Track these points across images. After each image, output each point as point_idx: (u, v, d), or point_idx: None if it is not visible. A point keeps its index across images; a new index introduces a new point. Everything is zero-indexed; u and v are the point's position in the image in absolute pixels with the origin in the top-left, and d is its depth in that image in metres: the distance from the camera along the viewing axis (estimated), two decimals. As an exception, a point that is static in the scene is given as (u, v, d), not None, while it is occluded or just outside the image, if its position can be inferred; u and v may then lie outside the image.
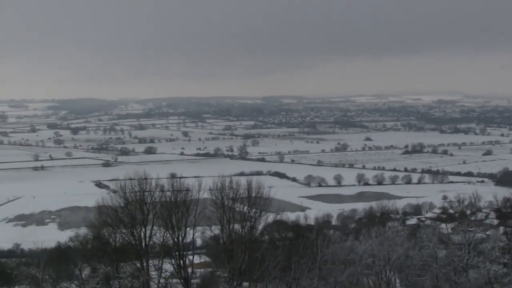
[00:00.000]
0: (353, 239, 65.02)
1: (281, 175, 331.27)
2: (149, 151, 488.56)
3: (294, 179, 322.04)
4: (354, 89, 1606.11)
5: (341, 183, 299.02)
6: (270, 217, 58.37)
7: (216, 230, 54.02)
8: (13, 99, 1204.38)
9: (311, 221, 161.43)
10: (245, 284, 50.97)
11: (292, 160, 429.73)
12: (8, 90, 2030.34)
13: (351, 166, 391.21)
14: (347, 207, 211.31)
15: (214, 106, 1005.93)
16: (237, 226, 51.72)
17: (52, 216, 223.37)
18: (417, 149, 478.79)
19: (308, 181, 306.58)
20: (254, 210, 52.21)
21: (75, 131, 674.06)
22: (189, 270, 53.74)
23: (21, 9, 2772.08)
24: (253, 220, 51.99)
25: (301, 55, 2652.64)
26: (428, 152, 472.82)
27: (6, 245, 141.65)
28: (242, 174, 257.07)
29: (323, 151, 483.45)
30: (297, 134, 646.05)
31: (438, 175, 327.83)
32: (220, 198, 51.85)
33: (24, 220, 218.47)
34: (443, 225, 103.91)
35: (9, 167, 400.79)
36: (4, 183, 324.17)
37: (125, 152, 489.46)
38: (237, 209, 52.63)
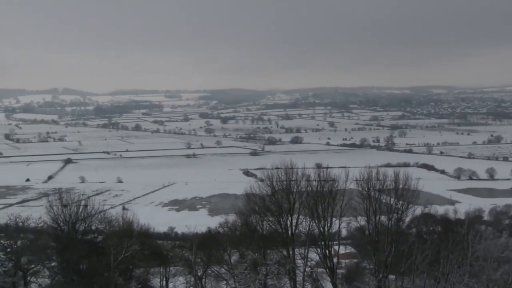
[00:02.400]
0: (508, 235, 61.55)
1: (429, 167, 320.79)
2: (295, 140, 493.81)
3: (443, 172, 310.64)
4: (509, 79, 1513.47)
5: (494, 177, 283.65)
6: (418, 210, 56.65)
7: (361, 221, 53.48)
8: (168, 89, 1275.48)
9: (461, 215, 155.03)
10: (391, 277, 50.18)
11: (441, 152, 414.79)
12: (164, 81, 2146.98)
13: (505, 159, 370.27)
14: (500, 202, 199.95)
15: (361, 97, 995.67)
16: (383, 218, 50.89)
17: (203, 202, 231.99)
18: None
19: (458, 174, 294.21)
20: (401, 202, 51.15)
21: (224, 120, 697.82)
22: (335, 260, 53.82)
23: (175, 7, 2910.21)
24: (400, 212, 50.93)
25: (452, 44, 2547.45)
26: None
27: (162, 228, 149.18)
28: (388, 165, 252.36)
29: (474, 143, 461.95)
30: (446, 125, 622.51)
31: None
32: (366, 189, 51.23)
33: (178, 205, 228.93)
34: None
35: (164, 154, 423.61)
36: (160, 169, 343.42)
37: (272, 142, 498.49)
38: (383, 200, 51.80)
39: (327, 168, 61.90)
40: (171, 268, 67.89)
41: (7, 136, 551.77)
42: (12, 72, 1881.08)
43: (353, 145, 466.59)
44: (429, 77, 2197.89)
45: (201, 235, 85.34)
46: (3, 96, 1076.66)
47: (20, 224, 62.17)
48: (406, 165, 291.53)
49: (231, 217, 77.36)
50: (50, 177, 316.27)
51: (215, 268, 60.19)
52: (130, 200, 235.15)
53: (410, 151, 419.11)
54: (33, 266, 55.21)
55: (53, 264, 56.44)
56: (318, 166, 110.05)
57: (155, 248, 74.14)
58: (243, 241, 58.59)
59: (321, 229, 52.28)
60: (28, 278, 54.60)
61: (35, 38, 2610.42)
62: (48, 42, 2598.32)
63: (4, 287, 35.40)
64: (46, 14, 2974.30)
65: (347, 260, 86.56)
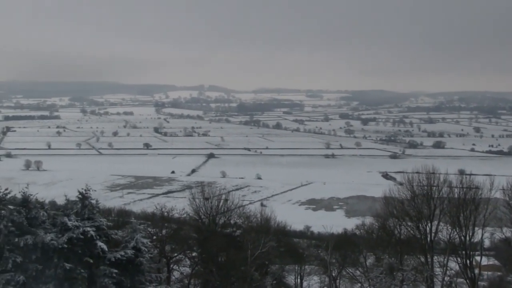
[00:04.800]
0: None
1: None
2: (438, 145, 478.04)
3: None
4: None
5: None
6: None
7: (507, 232, 50.98)
8: (310, 89, 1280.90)
9: None
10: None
11: None
12: (306, 81, 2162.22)
13: None
14: None
15: (511, 102, 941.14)
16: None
17: (340, 203, 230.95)
18: None
19: None
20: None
21: (365, 122, 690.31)
22: (476, 271, 51.66)
23: (319, 9, 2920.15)
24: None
25: None
26: None
27: (299, 226, 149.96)
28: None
29: None
30: None
31: None
32: (514, 199, 48.74)
33: (315, 204, 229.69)
34: None
35: (303, 153, 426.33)
36: (298, 168, 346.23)
37: (412, 145, 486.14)
38: (532, 212, 48.95)
39: (470, 175, 59.43)
40: (306, 266, 68.36)
41: (156, 129, 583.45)
42: (165, 69, 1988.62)
43: (500, 153, 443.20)
44: None
45: (337, 235, 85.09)
46: (154, 91, 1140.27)
47: (165, 214, 65.49)
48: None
49: (368, 220, 76.52)
50: (193, 170, 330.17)
51: (350, 270, 59.91)
52: (268, 197, 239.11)
53: None
54: (175, 254, 57.99)
55: (193, 254, 58.85)
56: (461, 172, 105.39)
57: (291, 246, 75.04)
58: (380, 244, 57.82)
59: (462, 237, 50.35)
60: (171, 265, 57.46)
61: (187, 37, 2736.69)
62: (198, 41, 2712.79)
63: (150, 272, 37.45)
64: (197, 14, 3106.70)
65: (489, 272, 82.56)
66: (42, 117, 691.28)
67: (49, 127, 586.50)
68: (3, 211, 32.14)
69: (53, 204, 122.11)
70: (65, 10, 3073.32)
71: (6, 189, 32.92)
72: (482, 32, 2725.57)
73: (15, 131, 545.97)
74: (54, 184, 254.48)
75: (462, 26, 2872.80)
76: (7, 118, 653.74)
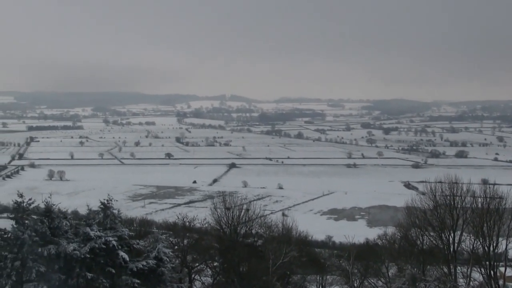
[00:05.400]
0: None
1: None
2: (460, 155, 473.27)
3: None
4: None
5: None
6: None
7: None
8: (331, 98, 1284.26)
9: None
10: None
11: None
12: (327, 90, 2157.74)
13: None
14: None
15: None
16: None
17: (362, 213, 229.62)
18: None
19: None
20: None
21: (386, 131, 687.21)
22: (500, 282, 50.95)
23: (339, 19, 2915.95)
24: None
25: None
26: None
27: (320, 236, 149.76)
28: None
29: None
30: None
31: None
32: (539, 209, 48.04)
33: (336, 214, 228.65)
34: None
35: (325, 163, 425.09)
36: (320, 178, 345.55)
37: (435, 155, 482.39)
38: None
39: (494, 184, 58.67)
40: (328, 277, 67.98)
41: (178, 139, 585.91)
42: (186, 79, 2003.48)
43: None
44: None
45: (359, 245, 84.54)
46: (176, 101, 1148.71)
47: (187, 223, 65.60)
48: None
49: (390, 230, 75.95)
50: (215, 180, 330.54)
51: (372, 280, 59.46)
52: (290, 207, 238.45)
53: None
54: (197, 264, 58.04)
55: (215, 264, 58.86)
56: (484, 182, 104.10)
57: (313, 256, 74.70)
58: (402, 254, 57.29)
59: (486, 248, 49.70)
60: (193, 275, 57.52)
61: (209, 47, 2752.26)
62: (220, 51, 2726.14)
63: (171, 282, 37.62)
64: (219, 24, 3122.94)
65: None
66: (65, 127, 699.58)
67: (72, 137, 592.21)
68: (26, 221, 32.54)
69: (75, 214, 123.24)
70: (87, 22, 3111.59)
71: (30, 199, 33.35)
72: (506, 40, 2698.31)
73: (38, 141, 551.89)
74: (77, 194, 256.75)
75: (485, 34, 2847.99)
76: (31, 128, 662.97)
